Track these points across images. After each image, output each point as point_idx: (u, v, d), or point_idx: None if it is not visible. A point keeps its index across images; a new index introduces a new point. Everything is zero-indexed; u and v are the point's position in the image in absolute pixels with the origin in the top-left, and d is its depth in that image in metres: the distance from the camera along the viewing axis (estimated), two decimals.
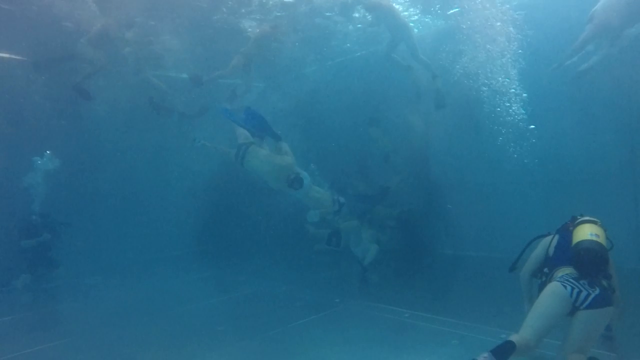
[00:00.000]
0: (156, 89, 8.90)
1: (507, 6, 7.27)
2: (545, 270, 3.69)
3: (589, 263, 3.34)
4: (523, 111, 7.21)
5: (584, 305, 3.26)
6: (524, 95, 7.16)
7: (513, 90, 7.16)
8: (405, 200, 8.74)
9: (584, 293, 3.26)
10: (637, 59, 6.33)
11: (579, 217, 3.88)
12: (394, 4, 8.00)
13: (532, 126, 7.26)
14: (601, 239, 3.39)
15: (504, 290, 5.95)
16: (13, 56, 8.98)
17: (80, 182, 9.69)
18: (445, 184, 8.56)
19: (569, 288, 3.30)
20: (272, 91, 11.28)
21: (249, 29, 9.37)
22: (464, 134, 8.19)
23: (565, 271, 3.50)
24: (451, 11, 8.69)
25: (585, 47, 6.31)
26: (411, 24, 8.75)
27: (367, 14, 8.50)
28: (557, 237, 3.86)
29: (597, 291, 3.28)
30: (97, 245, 9.44)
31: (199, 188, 11.23)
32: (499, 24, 7.26)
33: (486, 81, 7.44)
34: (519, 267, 4.08)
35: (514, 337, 3.21)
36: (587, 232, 3.46)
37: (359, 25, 9.45)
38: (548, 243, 3.91)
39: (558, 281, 3.38)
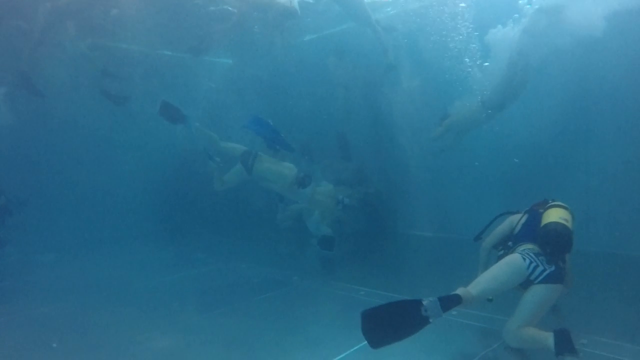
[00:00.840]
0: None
1: None
2: (510, 243, 3.85)
3: (555, 244, 3.44)
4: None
5: (538, 280, 3.36)
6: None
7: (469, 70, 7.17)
8: (369, 181, 8.75)
9: (540, 268, 3.38)
10: None
11: (550, 201, 4.00)
12: None
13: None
14: (569, 224, 3.51)
15: (458, 268, 6.07)
16: None
17: (35, 159, 9.29)
18: (407, 165, 8.56)
19: (527, 261, 3.41)
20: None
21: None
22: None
23: (527, 247, 3.62)
24: None
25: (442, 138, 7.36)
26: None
27: None
28: (525, 216, 4.02)
29: (553, 268, 3.40)
30: (53, 222, 9.11)
31: (160, 165, 10.94)
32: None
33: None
34: (483, 238, 4.31)
35: (460, 291, 3.25)
36: (557, 215, 3.57)
37: None
38: (516, 221, 4.09)
39: (519, 253, 3.50)
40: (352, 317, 4.61)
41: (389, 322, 3.02)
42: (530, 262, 3.40)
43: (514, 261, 3.47)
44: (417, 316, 2.96)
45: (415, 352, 3.65)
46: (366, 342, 3.00)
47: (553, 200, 3.98)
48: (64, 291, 6.12)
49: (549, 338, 3.09)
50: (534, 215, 3.87)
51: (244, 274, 6.65)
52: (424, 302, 2.98)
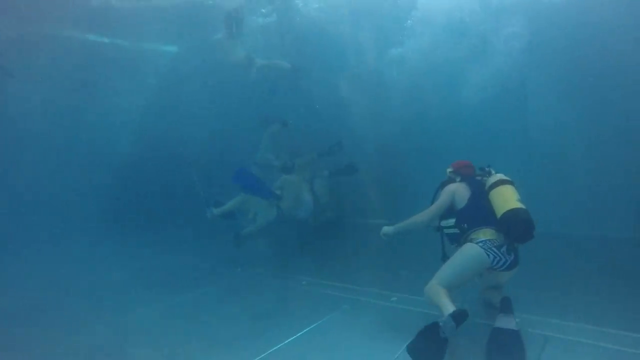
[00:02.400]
0: None
1: None
2: (465, 225, 3.71)
3: (521, 233, 3.47)
4: None
5: (500, 269, 3.51)
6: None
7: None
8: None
9: (502, 260, 3.47)
10: None
11: (487, 168, 4.00)
12: None
13: None
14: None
15: (405, 256, 6.11)
16: None
17: None
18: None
19: (491, 256, 3.45)
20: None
21: None
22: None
23: (486, 234, 3.57)
24: None
25: None
26: None
27: None
28: (467, 188, 3.89)
29: (512, 257, 3.52)
30: None
31: (113, 159, 10.52)
32: None
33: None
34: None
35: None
36: (513, 197, 3.55)
37: None
38: (457, 192, 3.93)
39: (482, 248, 3.45)
40: (293, 306, 4.61)
41: (425, 348, 3.03)
42: (495, 257, 3.45)
43: (478, 257, 3.45)
44: (438, 339, 3.01)
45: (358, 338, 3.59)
46: None
47: (489, 168, 3.99)
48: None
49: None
50: (480, 192, 3.81)
51: (188, 267, 6.46)
52: (440, 324, 3.03)
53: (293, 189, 7.18)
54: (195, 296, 5.12)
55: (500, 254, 3.47)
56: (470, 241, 3.60)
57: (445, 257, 3.84)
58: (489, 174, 3.97)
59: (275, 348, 3.56)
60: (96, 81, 9.95)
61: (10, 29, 8.45)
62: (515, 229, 3.45)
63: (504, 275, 3.65)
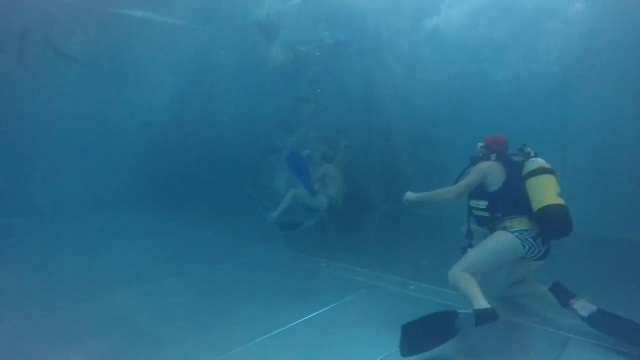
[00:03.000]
0: None
1: None
2: (499, 215, 3.53)
3: (558, 232, 3.36)
4: None
5: (533, 259, 3.46)
6: None
7: None
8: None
9: (536, 251, 3.38)
10: None
11: (527, 149, 3.68)
12: None
13: None
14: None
15: (429, 245, 6.04)
16: None
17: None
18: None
19: (527, 247, 3.36)
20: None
21: None
22: None
23: (522, 223, 3.42)
24: None
25: None
26: None
27: None
28: (502, 170, 3.64)
29: (546, 248, 3.43)
30: (21, 186, 8.90)
31: (137, 135, 10.74)
32: None
33: None
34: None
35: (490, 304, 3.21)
36: (554, 191, 3.35)
37: None
38: (486, 171, 3.66)
39: (518, 238, 3.35)
40: (310, 288, 4.63)
41: (423, 332, 3.03)
42: (530, 248, 3.37)
43: (513, 247, 3.36)
44: (450, 327, 2.97)
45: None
46: (399, 349, 2.97)
47: (526, 149, 3.67)
48: (29, 255, 6.10)
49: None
50: (516, 176, 3.56)
51: (209, 243, 6.57)
52: (460, 315, 2.99)
53: (337, 178, 7.26)
54: (214, 271, 5.21)
55: (535, 245, 3.38)
56: (504, 229, 3.46)
57: (469, 236, 3.75)
58: (528, 155, 3.66)
59: (289, 326, 3.59)
60: (127, 59, 10.10)
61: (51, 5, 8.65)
62: (553, 227, 3.33)
63: (534, 265, 3.57)
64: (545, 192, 3.36)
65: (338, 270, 5.08)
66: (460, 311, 3.01)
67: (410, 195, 3.89)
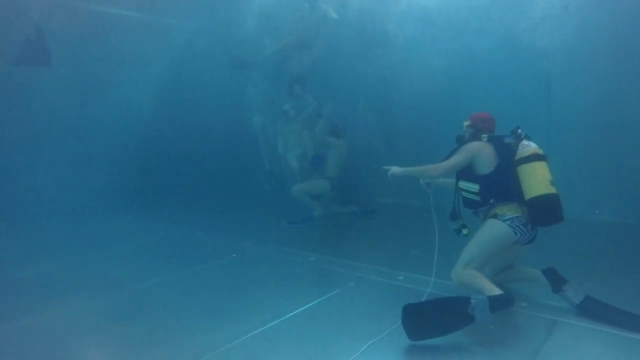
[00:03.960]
0: None
1: None
2: (492, 201, 3.49)
3: (548, 221, 3.36)
4: None
5: (522, 243, 3.48)
6: None
7: None
8: None
9: (527, 236, 3.40)
10: None
11: (519, 131, 3.59)
12: None
13: None
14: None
15: (416, 236, 6.02)
16: None
17: None
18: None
19: (518, 234, 3.37)
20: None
21: None
22: None
23: (511, 209, 3.41)
24: None
25: None
26: None
27: None
28: (494, 153, 3.54)
29: (535, 232, 3.46)
30: (2, 191, 8.74)
31: (126, 134, 10.61)
32: None
33: None
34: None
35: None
36: (546, 179, 3.31)
37: None
38: (476, 152, 3.55)
39: (509, 226, 3.35)
40: (298, 281, 4.61)
41: (431, 317, 3.02)
42: (521, 235, 3.38)
43: (506, 236, 3.37)
44: (463, 313, 2.93)
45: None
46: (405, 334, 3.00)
47: (519, 131, 3.56)
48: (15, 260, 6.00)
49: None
50: (508, 161, 3.48)
51: (198, 241, 6.50)
52: (472, 301, 2.95)
53: (342, 156, 7.41)
54: (202, 268, 5.16)
55: (526, 231, 3.40)
56: (494, 216, 3.46)
57: (454, 216, 3.75)
58: (519, 137, 3.56)
59: (277, 321, 3.56)
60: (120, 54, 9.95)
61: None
62: (544, 216, 3.34)
63: (523, 249, 3.58)
64: (539, 180, 3.32)
65: (326, 263, 5.06)
66: (473, 297, 2.97)
67: (396, 169, 3.72)
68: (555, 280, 3.38)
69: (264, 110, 9.54)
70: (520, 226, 3.38)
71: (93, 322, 3.80)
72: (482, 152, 3.56)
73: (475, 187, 3.59)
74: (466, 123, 3.85)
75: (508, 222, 3.39)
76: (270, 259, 5.45)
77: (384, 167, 3.80)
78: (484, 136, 3.67)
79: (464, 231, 3.75)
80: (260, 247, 5.95)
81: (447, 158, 3.70)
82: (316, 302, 3.92)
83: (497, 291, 3.12)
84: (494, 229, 3.43)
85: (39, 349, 3.35)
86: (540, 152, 3.44)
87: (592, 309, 3.25)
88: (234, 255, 5.58)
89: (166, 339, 3.38)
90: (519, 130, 3.61)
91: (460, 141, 3.79)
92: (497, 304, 3.01)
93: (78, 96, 9.82)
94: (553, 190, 3.31)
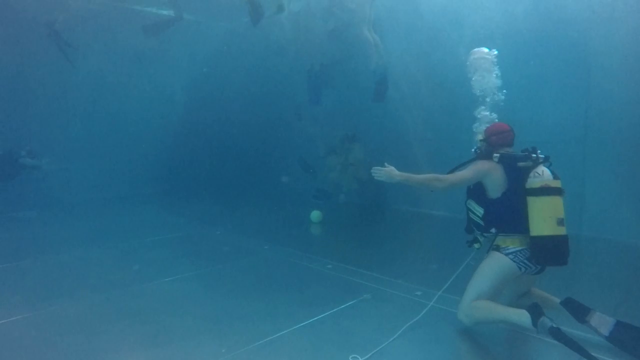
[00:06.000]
0: None
1: None
2: (493, 230, 3.30)
3: (552, 263, 3.18)
4: None
5: (530, 274, 3.32)
6: None
7: None
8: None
9: (532, 269, 3.24)
10: None
11: (535, 154, 3.24)
12: None
13: None
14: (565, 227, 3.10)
15: (438, 248, 5.85)
16: None
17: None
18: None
19: (522, 269, 3.20)
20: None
21: None
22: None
23: (515, 242, 3.23)
24: None
25: None
26: None
27: None
28: (504, 177, 3.27)
29: (539, 267, 3.25)
30: (34, 181, 9.02)
31: (154, 131, 10.81)
32: None
33: None
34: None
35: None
36: (556, 217, 3.04)
37: None
38: (485, 173, 3.30)
39: (513, 261, 3.19)
40: (313, 290, 4.48)
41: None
42: (526, 269, 3.22)
43: (510, 270, 3.21)
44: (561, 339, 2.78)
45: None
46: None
47: (535, 151, 3.25)
48: (41, 246, 6.13)
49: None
50: (518, 187, 3.20)
51: (216, 241, 6.47)
52: (536, 327, 2.86)
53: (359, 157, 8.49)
54: (218, 270, 5.11)
55: (531, 265, 3.21)
56: (497, 248, 3.28)
57: (469, 229, 3.57)
58: (536, 162, 3.22)
59: (287, 330, 3.45)
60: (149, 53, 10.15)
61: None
62: (544, 258, 3.13)
63: (534, 279, 3.42)
64: (544, 218, 3.06)
65: (343, 272, 4.93)
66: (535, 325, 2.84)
67: (393, 172, 3.28)
68: (577, 311, 3.14)
69: None
70: (525, 260, 3.19)
71: (93, 321, 3.76)
72: (490, 174, 3.30)
73: (479, 211, 3.39)
74: (480, 137, 3.59)
75: (511, 256, 3.21)
76: (288, 263, 5.35)
77: (375, 168, 3.36)
78: (496, 155, 3.33)
79: (476, 245, 3.56)
80: (278, 250, 5.87)
81: (456, 169, 3.45)
82: (329, 312, 3.80)
83: (519, 310, 2.93)
84: (497, 263, 3.24)
85: (62, 338, 3.35)
86: (553, 184, 3.10)
87: (624, 339, 2.96)
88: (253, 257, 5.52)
89: (174, 341, 3.31)
90: (536, 153, 3.28)
91: (477, 154, 3.52)
92: (538, 313, 2.85)
93: (112, 90, 10.09)
94: (561, 231, 3.04)
